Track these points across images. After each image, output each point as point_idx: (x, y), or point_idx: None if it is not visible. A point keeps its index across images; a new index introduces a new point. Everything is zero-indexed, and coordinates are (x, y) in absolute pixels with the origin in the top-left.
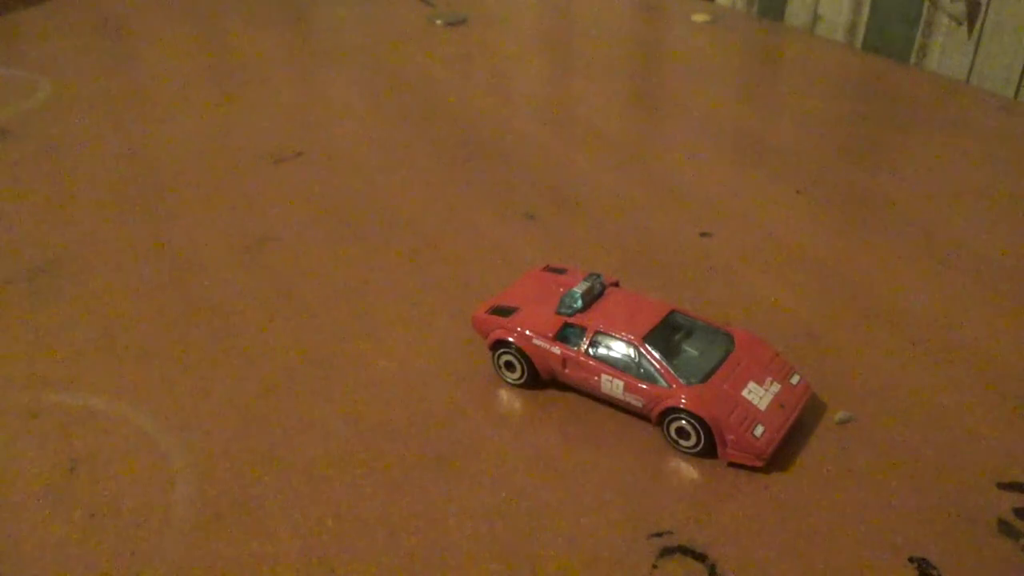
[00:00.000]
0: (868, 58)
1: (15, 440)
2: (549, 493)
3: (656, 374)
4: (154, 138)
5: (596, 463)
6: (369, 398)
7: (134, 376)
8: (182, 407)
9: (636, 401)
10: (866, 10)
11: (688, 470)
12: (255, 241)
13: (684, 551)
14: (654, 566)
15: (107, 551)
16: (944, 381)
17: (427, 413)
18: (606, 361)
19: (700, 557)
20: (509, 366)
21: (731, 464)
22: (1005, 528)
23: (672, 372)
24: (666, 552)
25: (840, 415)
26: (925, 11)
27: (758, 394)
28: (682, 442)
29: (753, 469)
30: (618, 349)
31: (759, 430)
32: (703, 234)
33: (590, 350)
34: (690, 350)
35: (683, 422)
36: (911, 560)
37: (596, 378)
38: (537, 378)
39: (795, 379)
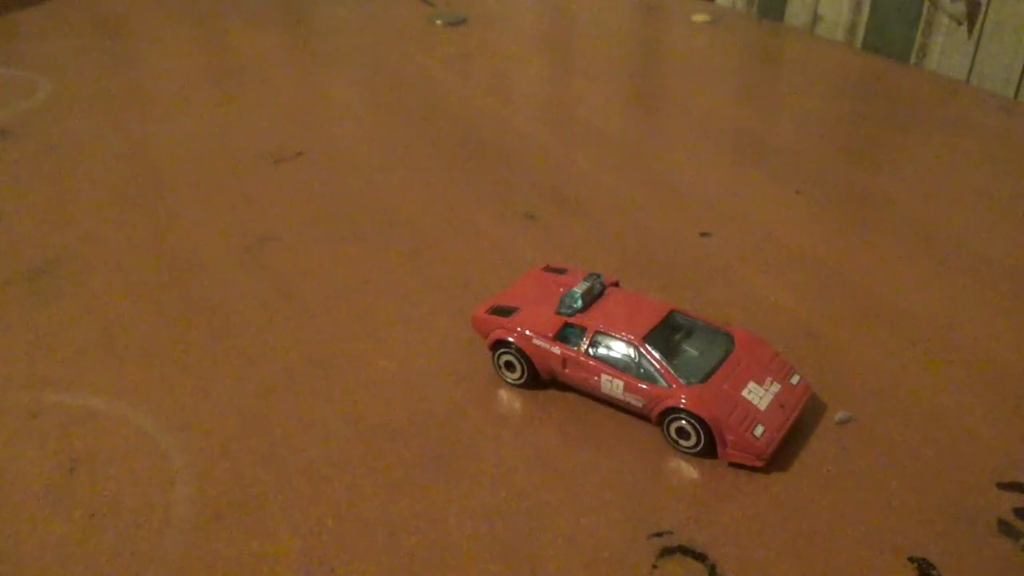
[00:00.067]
0: (868, 58)
1: (15, 440)
2: (549, 493)
3: (656, 374)
4: (154, 138)
5: (596, 463)
6: (369, 398)
7: (134, 376)
8: (182, 407)
9: (636, 401)
10: (866, 10)
11: (688, 470)
12: (255, 241)
13: (684, 551)
14: (654, 566)
15: (107, 551)
16: (944, 381)
17: (427, 413)
18: (606, 361)
19: (700, 557)
20: (509, 366)
21: (731, 464)
22: (1005, 528)
23: (672, 372)
24: (666, 552)
25: (840, 415)
26: (925, 11)
27: (758, 394)
28: (682, 442)
29: (753, 469)
30: (618, 349)
31: (759, 430)
32: (703, 234)
33: (590, 350)
34: (690, 350)
35: (683, 422)
36: (911, 560)
37: (596, 378)
38: (537, 378)
39: (795, 379)
